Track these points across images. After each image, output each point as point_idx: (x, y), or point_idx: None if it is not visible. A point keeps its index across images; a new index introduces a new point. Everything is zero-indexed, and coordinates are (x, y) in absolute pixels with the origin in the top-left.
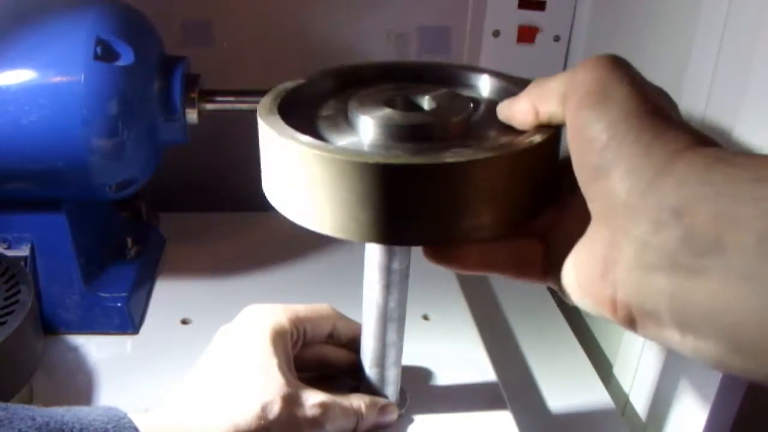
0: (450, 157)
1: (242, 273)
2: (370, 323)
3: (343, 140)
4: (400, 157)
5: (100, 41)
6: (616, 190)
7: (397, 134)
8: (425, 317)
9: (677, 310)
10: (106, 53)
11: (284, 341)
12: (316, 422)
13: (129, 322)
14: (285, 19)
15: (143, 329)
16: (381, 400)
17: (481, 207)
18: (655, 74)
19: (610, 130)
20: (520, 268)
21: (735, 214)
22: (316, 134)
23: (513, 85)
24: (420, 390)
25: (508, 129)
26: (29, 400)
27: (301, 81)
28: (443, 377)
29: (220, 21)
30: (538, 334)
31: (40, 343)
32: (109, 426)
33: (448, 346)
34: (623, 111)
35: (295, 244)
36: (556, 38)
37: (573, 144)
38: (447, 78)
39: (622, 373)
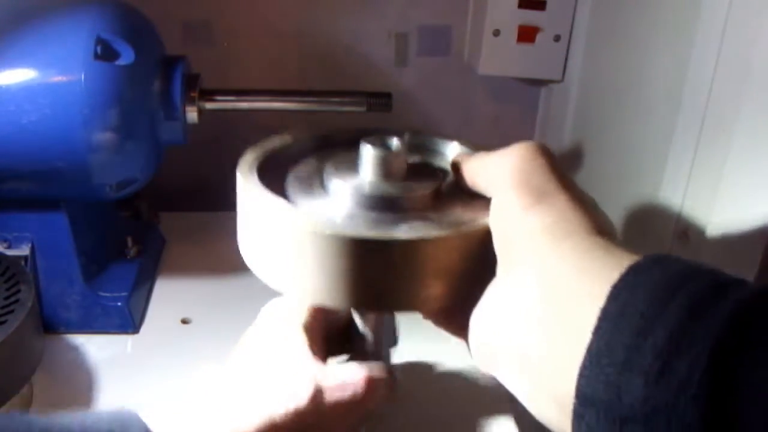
0: (401, 233)
1: (242, 273)
2: None
3: (312, 202)
4: (347, 228)
5: (100, 40)
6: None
7: (364, 203)
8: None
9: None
10: (106, 52)
11: (311, 326)
12: (354, 401)
13: (129, 322)
14: (285, 19)
15: (143, 329)
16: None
17: (431, 281)
18: (655, 74)
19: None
20: (442, 322)
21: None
22: (288, 194)
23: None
24: (420, 390)
25: (475, 200)
26: (29, 400)
27: (287, 139)
28: (443, 377)
29: (220, 21)
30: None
31: (40, 342)
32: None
33: (448, 346)
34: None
35: None
36: (557, 38)
37: (491, 223)
38: (422, 144)
39: None
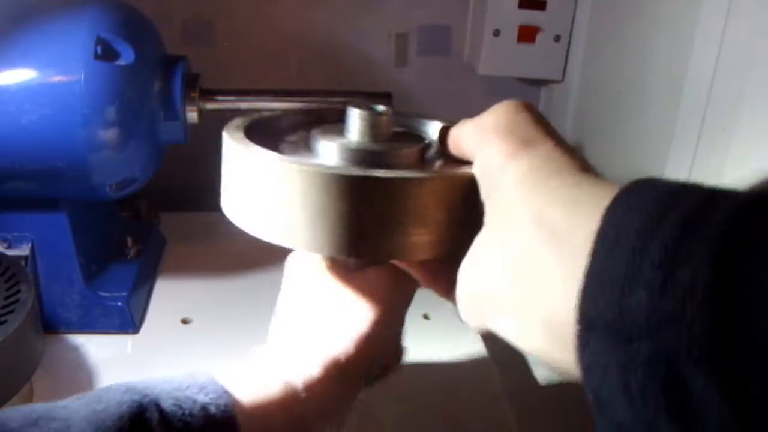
0: (383, 172)
1: (242, 273)
2: None
3: (299, 159)
4: (341, 168)
5: (100, 40)
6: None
7: (350, 159)
8: (425, 317)
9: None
10: (106, 52)
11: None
12: (401, 312)
13: (129, 322)
14: (285, 20)
15: (143, 329)
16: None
17: (416, 228)
18: (655, 74)
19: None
20: (428, 280)
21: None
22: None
23: None
24: (420, 390)
25: (461, 167)
26: (29, 400)
27: (276, 113)
28: (443, 377)
29: (220, 21)
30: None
31: (40, 342)
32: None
33: (448, 346)
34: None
35: None
36: (557, 38)
37: (477, 172)
38: (407, 124)
39: None
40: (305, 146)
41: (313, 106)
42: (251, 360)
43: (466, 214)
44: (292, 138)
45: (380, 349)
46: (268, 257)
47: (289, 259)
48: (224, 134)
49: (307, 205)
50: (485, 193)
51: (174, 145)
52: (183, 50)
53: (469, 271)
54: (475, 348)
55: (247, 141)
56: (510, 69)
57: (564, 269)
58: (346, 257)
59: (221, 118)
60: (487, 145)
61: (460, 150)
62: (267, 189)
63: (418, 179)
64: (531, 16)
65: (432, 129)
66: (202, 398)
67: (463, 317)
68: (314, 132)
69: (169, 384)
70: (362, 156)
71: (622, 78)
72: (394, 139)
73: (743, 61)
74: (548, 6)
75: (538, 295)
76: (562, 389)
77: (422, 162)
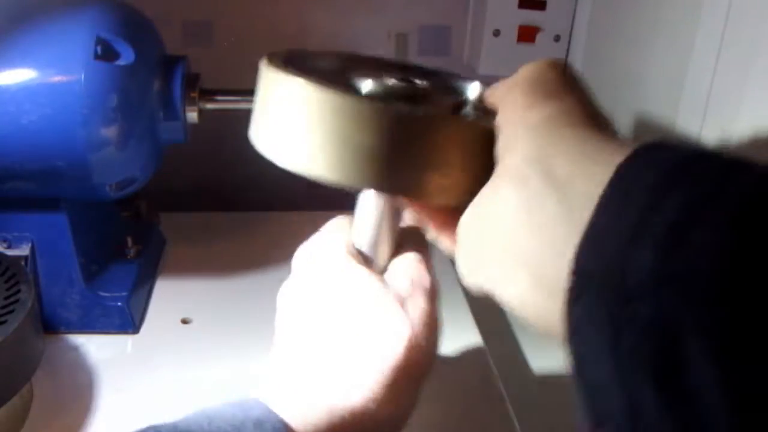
0: (409, 107)
1: (242, 273)
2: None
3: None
4: (372, 100)
5: (100, 40)
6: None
7: (385, 95)
8: None
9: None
10: (106, 52)
11: (354, 250)
12: (435, 290)
13: (129, 322)
14: (285, 19)
15: (143, 329)
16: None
17: (435, 168)
18: (655, 74)
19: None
20: (441, 228)
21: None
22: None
23: None
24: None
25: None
26: (29, 400)
27: (314, 52)
28: (443, 377)
29: (220, 21)
30: (539, 333)
31: (40, 342)
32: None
33: (448, 346)
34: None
35: (295, 244)
36: (557, 38)
37: (497, 122)
38: (448, 82)
39: None
40: (340, 80)
41: (349, 53)
42: (301, 378)
43: (483, 165)
44: (328, 73)
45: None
46: (269, 257)
47: (300, 251)
48: (261, 62)
49: (333, 132)
50: (500, 144)
51: (174, 145)
52: (183, 50)
53: (471, 221)
54: (475, 348)
55: (281, 67)
56: (510, 69)
57: (567, 222)
58: (367, 188)
59: (221, 118)
60: (509, 97)
61: (488, 104)
62: (296, 114)
63: (445, 118)
64: (531, 16)
65: (471, 88)
66: None
67: (462, 272)
68: (351, 73)
69: (220, 421)
70: (396, 94)
71: (622, 78)
72: (430, 88)
73: (744, 61)
74: (548, 6)
75: (538, 247)
76: (562, 389)
77: (455, 112)
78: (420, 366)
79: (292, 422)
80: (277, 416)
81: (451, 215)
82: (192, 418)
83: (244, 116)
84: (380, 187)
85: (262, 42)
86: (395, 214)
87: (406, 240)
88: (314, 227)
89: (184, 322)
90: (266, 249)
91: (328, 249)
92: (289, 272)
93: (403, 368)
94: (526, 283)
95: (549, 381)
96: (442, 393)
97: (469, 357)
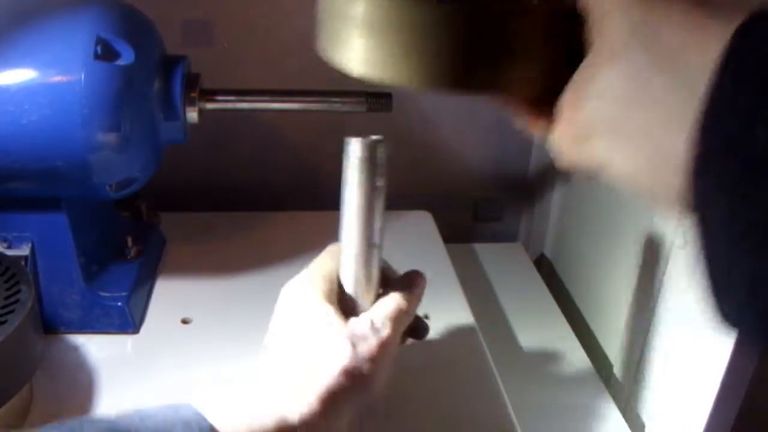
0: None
1: (242, 273)
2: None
3: None
4: None
5: (100, 40)
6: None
7: None
8: (425, 317)
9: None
10: (106, 52)
11: (330, 292)
12: (391, 339)
13: (129, 322)
14: (285, 19)
15: (143, 329)
16: (409, 281)
17: (520, 57)
18: None
19: None
20: (531, 117)
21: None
22: None
23: None
24: (420, 391)
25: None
26: (29, 400)
27: None
28: (443, 377)
29: (220, 21)
30: (539, 333)
31: (40, 342)
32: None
33: (448, 346)
34: None
35: (296, 243)
36: None
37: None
38: None
39: (622, 373)
40: None
41: None
42: (241, 389)
43: (567, 47)
44: None
45: (381, 374)
46: (268, 257)
47: (284, 289)
48: None
49: (414, 31)
50: (595, 19)
51: (174, 145)
52: (183, 50)
53: (573, 101)
54: (475, 348)
55: None
56: None
57: (681, 96)
58: (453, 87)
59: (221, 118)
60: None
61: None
62: (368, 14)
63: (523, 4)
64: None
65: None
66: None
67: (563, 151)
68: None
69: (152, 420)
70: None
71: None
72: None
73: None
74: None
75: (651, 123)
76: (562, 388)
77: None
78: (356, 390)
79: (218, 424)
80: (205, 419)
81: (540, 105)
82: (127, 414)
83: (245, 116)
84: (463, 83)
85: (262, 42)
86: (373, 256)
87: (397, 283)
88: (314, 227)
89: (184, 322)
90: (266, 249)
91: (305, 294)
92: (288, 272)
93: (337, 388)
94: (640, 159)
95: (551, 381)
96: (442, 393)
97: (469, 357)
